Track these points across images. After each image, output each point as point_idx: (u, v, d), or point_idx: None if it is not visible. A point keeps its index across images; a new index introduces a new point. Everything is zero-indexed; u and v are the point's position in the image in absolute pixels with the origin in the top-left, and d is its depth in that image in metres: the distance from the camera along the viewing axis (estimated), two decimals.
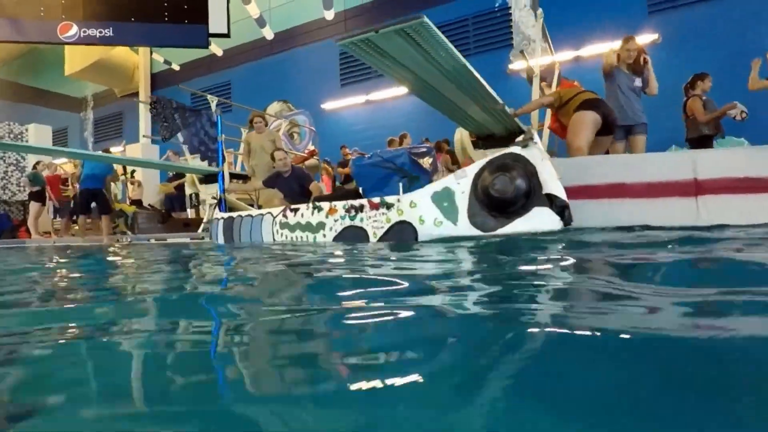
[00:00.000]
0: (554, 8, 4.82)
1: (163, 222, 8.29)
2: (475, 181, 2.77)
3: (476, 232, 2.76)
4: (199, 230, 7.27)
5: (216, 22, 10.56)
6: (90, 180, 6.98)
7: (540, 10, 4.68)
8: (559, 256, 1.78)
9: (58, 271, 2.46)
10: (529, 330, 0.69)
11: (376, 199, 3.17)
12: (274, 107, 9.83)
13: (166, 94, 9.30)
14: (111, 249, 4.44)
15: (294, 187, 4.60)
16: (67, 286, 1.78)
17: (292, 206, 3.68)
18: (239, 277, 1.67)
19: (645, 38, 7.41)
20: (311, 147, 9.13)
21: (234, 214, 4.20)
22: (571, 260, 1.62)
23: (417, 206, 3.01)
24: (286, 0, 12.23)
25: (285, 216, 3.67)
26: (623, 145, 4.24)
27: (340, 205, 3.30)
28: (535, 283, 1.19)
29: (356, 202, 3.24)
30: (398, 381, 0.52)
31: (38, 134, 11.21)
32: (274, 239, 3.74)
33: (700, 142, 4.98)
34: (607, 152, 4.16)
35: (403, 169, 4.82)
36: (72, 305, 1.28)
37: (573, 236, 2.44)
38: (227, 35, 10.61)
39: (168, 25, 10.45)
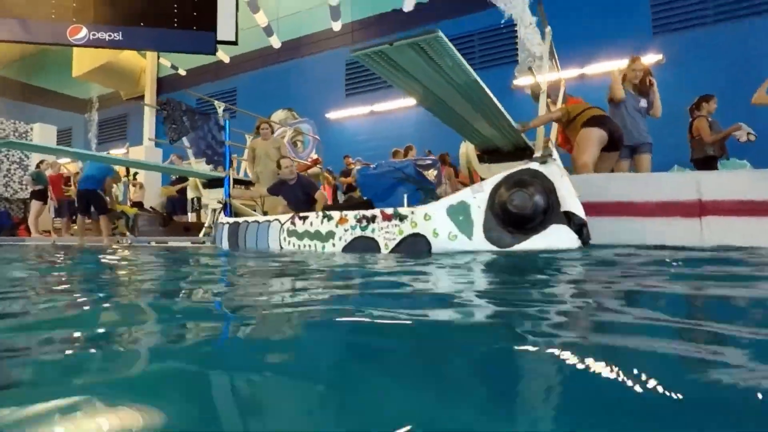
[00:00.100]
0: (560, 26, 4.88)
1: (164, 225, 8.27)
2: (492, 196, 2.75)
3: (491, 248, 2.74)
4: (200, 235, 7.26)
5: (224, 30, 10.65)
6: (86, 181, 6.99)
7: (548, 28, 4.74)
8: (574, 276, 1.77)
9: (54, 270, 2.45)
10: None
11: (389, 210, 3.15)
12: (279, 115, 9.89)
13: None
14: (109, 250, 4.42)
15: (299, 195, 4.61)
16: (55, 286, 1.76)
17: (301, 214, 3.66)
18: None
19: (649, 59, 7.50)
20: (314, 155, 9.16)
21: (239, 220, 4.17)
22: (584, 280, 1.61)
23: (431, 219, 2.99)
24: (294, 10, 12.38)
25: (293, 223, 3.64)
26: (628, 164, 4.26)
27: (351, 214, 3.27)
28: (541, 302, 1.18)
29: (368, 213, 3.21)
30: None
31: (43, 134, 11.24)
32: (281, 247, 3.70)
33: (705, 162, 5.02)
34: (613, 170, 4.19)
35: (419, 180, 4.84)
36: (53, 306, 1.26)
37: (590, 254, 2.41)
38: (235, 43, 10.70)
39: (177, 31, 10.54)
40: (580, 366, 0.56)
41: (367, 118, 11.09)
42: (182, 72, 14.06)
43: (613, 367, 0.54)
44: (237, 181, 6.53)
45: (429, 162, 5.57)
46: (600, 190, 3.53)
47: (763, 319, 0.97)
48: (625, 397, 0.48)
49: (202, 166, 8.53)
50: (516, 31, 8.99)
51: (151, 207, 9.62)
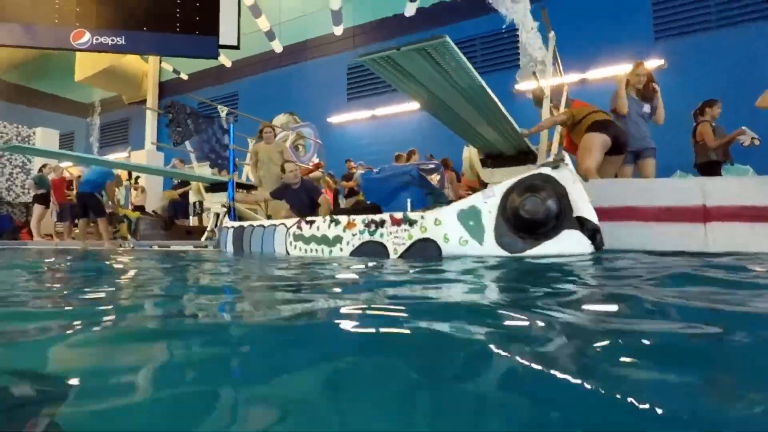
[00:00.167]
0: (562, 31, 4.91)
1: (166, 229, 8.27)
2: (504, 201, 2.74)
3: (503, 253, 2.73)
4: (203, 238, 7.26)
5: (226, 34, 10.69)
6: (85, 184, 7.02)
7: (552, 33, 4.76)
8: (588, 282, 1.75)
9: (57, 275, 2.44)
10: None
11: (399, 215, 3.14)
12: (281, 119, 9.91)
13: None
14: (111, 255, 4.41)
15: (303, 199, 4.61)
16: (54, 291, 1.76)
17: (308, 218, 3.65)
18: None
19: (651, 63, 7.52)
20: (316, 159, 9.17)
21: (245, 224, 4.17)
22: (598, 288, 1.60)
23: (442, 224, 2.98)
24: (296, 15, 12.43)
25: (300, 228, 3.63)
26: (632, 169, 4.26)
27: (359, 219, 3.26)
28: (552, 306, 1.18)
29: (377, 217, 3.20)
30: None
31: (45, 138, 11.27)
32: (287, 251, 3.69)
33: (709, 167, 5.03)
34: (616, 175, 4.19)
35: (428, 184, 4.83)
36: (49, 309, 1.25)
37: (604, 260, 2.38)
38: (237, 47, 10.74)
39: (179, 35, 10.58)
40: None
41: (368, 122, 11.11)
42: (184, 76, 14.11)
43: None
44: (239, 185, 6.53)
45: (432, 166, 5.59)
46: (605, 196, 3.53)
47: None
48: None
49: (204, 170, 8.54)
50: (517, 35, 9.06)
51: (153, 211, 9.62)
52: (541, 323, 0.90)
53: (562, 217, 2.60)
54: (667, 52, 7.70)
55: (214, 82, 13.90)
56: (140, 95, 15.30)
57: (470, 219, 2.87)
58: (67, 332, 0.94)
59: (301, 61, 12.33)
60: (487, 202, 2.81)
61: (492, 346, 0.72)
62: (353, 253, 3.26)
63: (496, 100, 3.39)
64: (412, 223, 3.05)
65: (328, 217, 3.46)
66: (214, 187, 7.46)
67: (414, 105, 10.28)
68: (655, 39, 8.01)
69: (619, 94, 4.12)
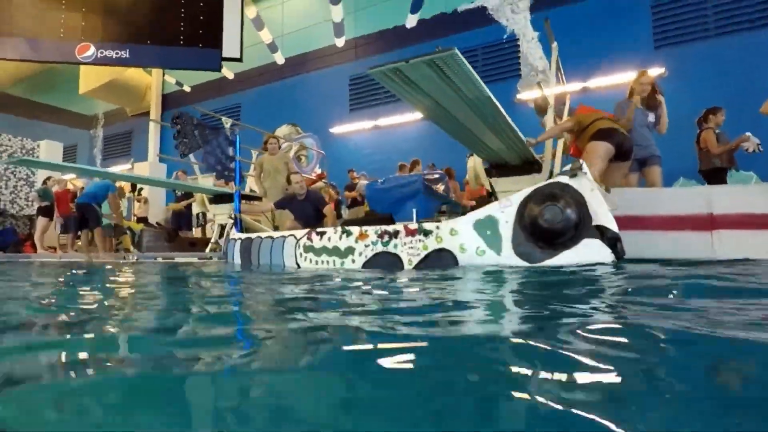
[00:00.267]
0: (563, 41, 4.94)
1: (170, 241, 8.26)
2: (521, 210, 2.72)
3: (521, 263, 2.70)
4: (207, 250, 7.25)
5: (229, 47, 10.79)
6: (84, 196, 7.07)
7: (555, 44, 4.79)
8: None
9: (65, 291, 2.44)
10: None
11: (413, 225, 3.11)
12: (283, 130, 9.95)
13: None
14: (116, 267, 4.39)
15: (308, 210, 4.62)
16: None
17: (318, 229, 3.62)
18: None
19: (652, 72, 7.54)
20: (318, 170, 9.20)
21: (252, 235, 4.14)
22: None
23: (458, 234, 2.95)
24: (298, 27, 12.56)
25: (310, 239, 3.59)
26: (637, 177, 4.27)
27: (371, 230, 3.23)
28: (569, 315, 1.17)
29: (390, 228, 3.17)
30: None
31: (49, 150, 11.33)
32: (297, 263, 3.64)
33: (713, 174, 5.04)
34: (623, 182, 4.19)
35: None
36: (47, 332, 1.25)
37: (625, 270, 2.35)
38: (240, 59, 10.84)
39: (183, 48, 10.68)
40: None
41: (370, 132, 11.16)
42: (187, 88, 14.21)
43: None
44: (243, 196, 6.54)
45: (437, 176, 5.60)
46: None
47: None
48: None
49: (209, 182, 8.56)
50: (518, 45, 9.14)
51: (156, 222, 9.63)
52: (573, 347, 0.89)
53: (582, 226, 2.58)
54: (668, 60, 7.75)
55: (217, 94, 14.00)
56: (143, 107, 15.42)
57: (487, 228, 2.84)
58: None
59: (303, 72, 12.43)
60: (504, 212, 2.79)
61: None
62: (366, 265, 3.22)
63: (502, 110, 3.40)
64: (427, 233, 3.02)
65: (339, 228, 3.43)
66: (218, 198, 7.47)
67: (416, 115, 10.34)
68: (655, 47, 8.08)
69: (628, 116, 4.12)
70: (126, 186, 9.73)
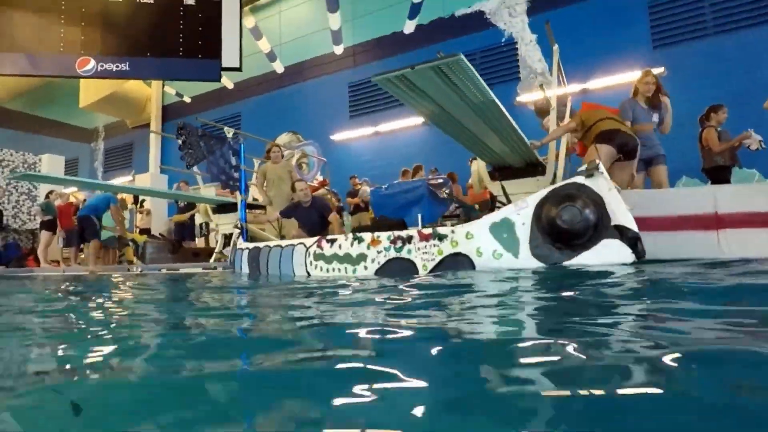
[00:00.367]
0: (562, 44, 4.95)
1: (173, 252, 8.25)
2: (537, 212, 2.70)
3: (539, 265, 2.67)
4: (211, 260, 7.24)
5: (229, 57, 10.84)
6: (84, 209, 7.07)
7: (556, 46, 4.81)
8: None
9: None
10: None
11: (427, 230, 3.08)
12: (284, 138, 9.98)
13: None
14: (124, 280, 4.38)
15: (313, 217, 4.61)
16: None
17: (329, 237, 3.59)
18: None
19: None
20: (320, 177, 9.21)
21: (260, 245, 4.11)
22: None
23: (474, 237, 2.92)
24: (297, 36, 12.62)
25: (320, 247, 3.56)
26: (642, 177, 4.26)
27: (384, 235, 3.19)
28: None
29: (403, 233, 3.14)
30: None
31: (51, 164, 11.35)
32: (307, 272, 3.61)
33: (716, 172, 5.03)
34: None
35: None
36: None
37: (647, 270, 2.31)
38: (239, 69, 10.89)
39: (182, 59, 10.72)
40: None
41: (371, 138, 11.19)
42: (187, 99, 14.27)
43: None
44: (248, 206, 6.53)
45: (441, 181, 5.59)
46: None
47: None
48: None
49: (210, 191, 8.57)
50: (517, 48, 9.18)
51: (159, 234, 9.63)
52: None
53: (600, 226, 2.56)
54: (667, 59, 7.78)
55: (217, 104, 14.04)
56: (144, 119, 15.47)
57: (503, 231, 2.82)
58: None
59: (302, 80, 12.48)
60: (520, 214, 2.76)
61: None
62: (378, 272, 3.18)
63: (506, 113, 3.41)
64: (441, 237, 2.99)
65: (350, 235, 3.40)
66: (221, 208, 7.47)
67: (416, 120, 10.37)
68: (654, 47, 8.10)
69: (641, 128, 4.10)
70: (128, 198, 9.73)
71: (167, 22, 10.37)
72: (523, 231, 2.74)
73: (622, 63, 8.12)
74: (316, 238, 3.68)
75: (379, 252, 3.18)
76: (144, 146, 15.21)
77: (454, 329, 1.18)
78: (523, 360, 0.83)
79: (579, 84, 8.43)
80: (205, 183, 8.73)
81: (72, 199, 9.42)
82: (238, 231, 4.56)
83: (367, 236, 3.31)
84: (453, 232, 3.00)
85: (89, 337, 1.34)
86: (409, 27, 10.13)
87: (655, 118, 4.18)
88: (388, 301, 1.75)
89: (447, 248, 2.97)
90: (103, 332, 1.40)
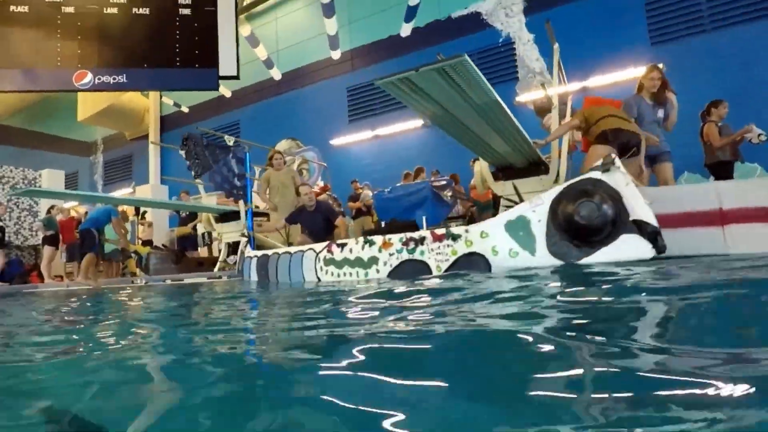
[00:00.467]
0: (560, 41, 4.94)
1: (177, 262, 8.24)
2: (554, 208, 2.65)
3: (557, 263, 2.63)
4: (215, 269, 7.22)
5: (226, 65, 10.80)
6: (85, 222, 7.05)
7: (556, 45, 4.81)
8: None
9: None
10: None
11: (440, 230, 3.04)
12: (283, 145, 9.99)
13: (176, 136, 9.48)
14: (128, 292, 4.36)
15: (319, 221, 4.59)
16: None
17: (339, 241, 3.55)
18: None
19: None
20: (321, 182, 9.21)
21: (269, 252, 4.08)
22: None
23: (489, 236, 2.88)
24: (293, 42, 12.65)
25: (330, 251, 3.53)
26: (648, 173, 4.24)
27: (396, 238, 3.15)
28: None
29: (415, 234, 3.09)
30: None
31: (51, 179, 11.35)
32: (317, 277, 3.58)
33: (719, 167, 5.01)
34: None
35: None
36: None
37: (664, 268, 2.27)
38: (237, 77, 10.89)
39: (179, 69, 10.69)
40: None
41: (371, 142, 11.19)
42: (185, 109, 14.28)
43: None
44: (254, 214, 6.51)
45: (444, 183, 5.59)
46: None
47: None
48: None
49: (212, 200, 8.56)
50: (514, 48, 9.18)
51: (162, 244, 9.61)
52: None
53: (619, 222, 2.52)
54: (665, 56, 7.76)
55: (215, 113, 14.05)
56: (142, 130, 15.47)
57: (519, 229, 2.78)
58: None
59: (300, 86, 12.49)
60: (536, 211, 2.72)
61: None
62: (391, 274, 3.13)
63: (510, 114, 3.40)
64: (455, 237, 2.94)
65: (361, 238, 3.36)
66: (224, 217, 7.46)
67: (416, 122, 10.37)
68: (652, 44, 8.11)
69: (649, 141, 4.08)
70: (129, 210, 9.72)
71: (163, 33, 10.35)
72: (540, 228, 2.69)
73: (620, 60, 8.13)
74: (325, 243, 3.64)
75: (391, 254, 3.14)
76: (143, 157, 15.20)
77: (476, 327, 1.16)
78: (550, 363, 0.82)
79: (578, 82, 8.43)
80: (207, 192, 8.73)
81: (73, 214, 9.41)
82: (246, 239, 4.54)
83: (378, 239, 3.26)
84: (467, 231, 2.96)
85: (109, 350, 1.32)
86: (405, 30, 10.14)
87: (660, 114, 4.16)
88: (405, 302, 1.73)
89: (461, 248, 2.93)
90: (114, 350, 1.38)
